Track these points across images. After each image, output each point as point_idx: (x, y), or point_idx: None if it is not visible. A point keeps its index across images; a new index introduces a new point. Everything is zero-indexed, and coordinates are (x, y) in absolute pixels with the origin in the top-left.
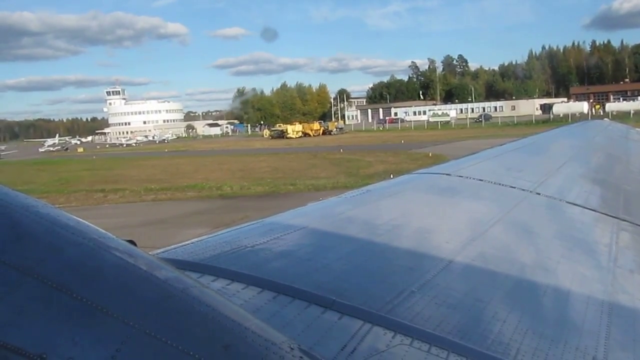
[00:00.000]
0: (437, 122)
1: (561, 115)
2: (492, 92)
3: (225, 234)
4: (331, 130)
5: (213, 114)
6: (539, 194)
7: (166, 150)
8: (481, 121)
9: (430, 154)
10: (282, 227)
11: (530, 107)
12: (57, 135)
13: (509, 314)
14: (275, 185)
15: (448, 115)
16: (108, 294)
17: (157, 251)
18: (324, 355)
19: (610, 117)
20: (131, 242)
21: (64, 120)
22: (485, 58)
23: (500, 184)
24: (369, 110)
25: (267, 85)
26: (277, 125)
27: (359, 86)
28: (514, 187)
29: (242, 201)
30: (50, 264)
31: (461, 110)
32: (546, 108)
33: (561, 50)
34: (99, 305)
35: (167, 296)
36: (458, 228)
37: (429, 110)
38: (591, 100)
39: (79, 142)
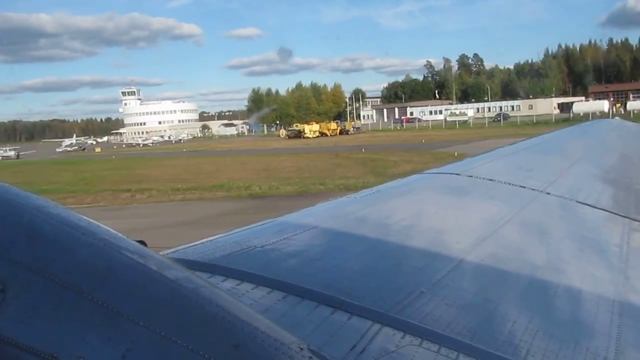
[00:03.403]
0: (455, 121)
1: (581, 114)
2: (508, 91)
3: (235, 234)
4: (348, 130)
5: (226, 114)
6: (549, 193)
7: (184, 150)
8: (499, 120)
9: (455, 154)
10: (291, 227)
11: (547, 106)
12: (75, 135)
13: (519, 315)
14: (304, 184)
15: (466, 115)
16: (119, 293)
17: (167, 251)
18: (333, 355)
19: (632, 115)
20: (141, 242)
21: (79, 120)
22: (500, 57)
23: (510, 184)
24: (385, 110)
25: (280, 85)
26: (294, 125)
27: (372, 86)
28: (524, 187)
29: (273, 201)
30: (62, 264)
31: (477, 109)
32: (564, 107)
33: (577, 49)
34: (109, 305)
35: (177, 296)
36: (468, 228)
37: (445, 109)
38: (612, 99)
39: (94, 143)
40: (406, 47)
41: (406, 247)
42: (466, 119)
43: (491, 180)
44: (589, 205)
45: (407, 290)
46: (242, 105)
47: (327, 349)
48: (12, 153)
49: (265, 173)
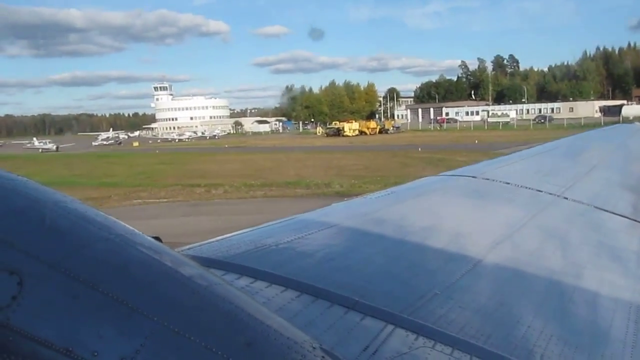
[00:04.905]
0: (498, 122)
1: (631, 117)
2: (544, 94)
3: (250, 232)
4: (387, 129)
5: (252, 111)
6: (566, 198)
7: (226, 145)
8: (543, 122)
9: None
10: (305, 227)
11: (589, 109)
12: (111, 129)
13: (534, 319)
14: (388, 184)
15: (507, 116)
16: (133, 289)
17: (182, 248)
18: (345, 355)
19: None
20: (157, 238)
21: (107, 115)
22: (533, 59)
23: (526, 188)
24: (420, 110)
25: (306, 84)
26: (333, 123)
27: (398, 85)
28: (541, 191)
29: None
30: (78, 259)
31: (516, 111)
32: (605, 110)
33: (616, 52)
34: (124, 300)
35: (191, 293)
36: (483, 231)
37: (482, 110)
38: None
39: (126, 137)
40: (432, 48)
41: (421, 248)
42: (508, 120)
43: (508, 183)
44: (606, 211)
45: (421, 292)
46: (268, 102)
47: (340, 349)
48: (51, 145)
49: (332, 171)
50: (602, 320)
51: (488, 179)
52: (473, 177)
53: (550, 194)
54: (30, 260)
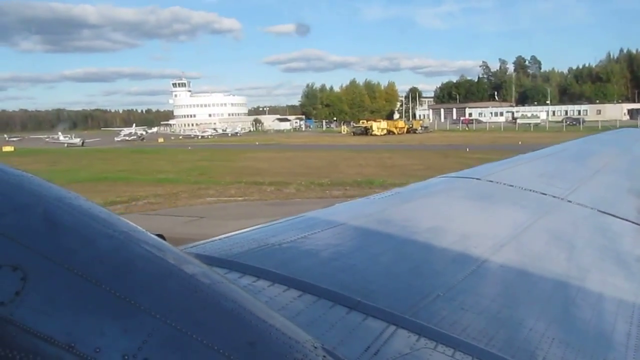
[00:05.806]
0: (528, 124)
1: None
2: (566, 95)
3: (253, 231)
4: (416, 129)
5: (263, 109)
6: (570, 201)
7: (257, 143)
8: (575, 124)
9: None
10: (309, 226)
11: (617, 111)
12: (134, 125)
13: (536, 322)
14: None
15: (538, 117)
16: (136, 286)
17: (185, 246)
18: (347, 355)
19: None
20: (160, 236)
21: (120, 111)
22: (554, 60)
23: (530, 190)
24: (442, 110)
25: (317, 82)
26: (360, 122)
27: (410, 85)
28: (545, 194)
29: None
30: (82, 255)
31: (546, 113)
32: (634, 113)
33: None
34: (127, 297)
35: (193, 291)
36: (486, 233)
37: (507, 111)
38: None
39: (144, 133)
40: (444, 48)
41: (424, 249)
42: (538, 121)
43: (512, 186)
44: (610, 214)
45: (424, 293)
46: (279, 100)
47: (342, 349)
48: (77, 140)
49: (394, 170)
50: (605, 324)
51: (492, 181)
52: (477, 179)
53: (555, 196)
54: (34, 256)
